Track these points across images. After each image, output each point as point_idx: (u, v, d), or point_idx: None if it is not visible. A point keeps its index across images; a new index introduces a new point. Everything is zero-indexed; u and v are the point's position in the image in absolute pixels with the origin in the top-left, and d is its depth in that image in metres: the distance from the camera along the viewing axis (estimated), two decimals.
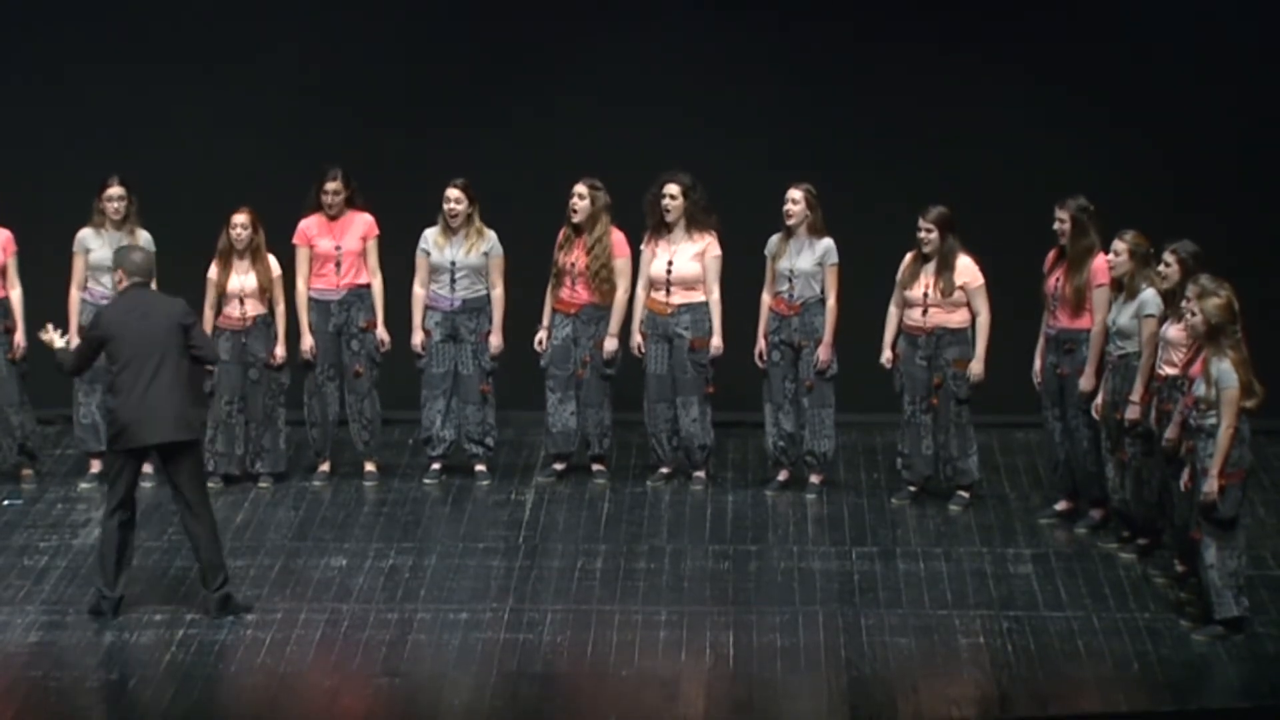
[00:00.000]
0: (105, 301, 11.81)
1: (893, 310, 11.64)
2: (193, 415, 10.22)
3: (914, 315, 11.56)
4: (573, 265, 11.88)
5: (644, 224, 11.93)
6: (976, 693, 9.50)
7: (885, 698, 9.46)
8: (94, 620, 10.16)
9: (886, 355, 11.62)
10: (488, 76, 13.05)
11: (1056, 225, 11.18)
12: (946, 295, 11.44)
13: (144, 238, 11.87)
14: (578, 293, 11.94)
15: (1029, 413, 11.85)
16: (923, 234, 11.46)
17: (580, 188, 11.83)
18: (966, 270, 11.47)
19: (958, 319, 11.52)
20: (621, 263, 11.90)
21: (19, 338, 11.91)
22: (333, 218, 11.95)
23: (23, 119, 13.02)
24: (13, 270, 11.89)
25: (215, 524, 10.30)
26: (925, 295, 11.49)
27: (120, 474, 10.19)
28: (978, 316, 11.49)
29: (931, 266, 11.48)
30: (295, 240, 11.97)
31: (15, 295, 11.91)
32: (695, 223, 11.83)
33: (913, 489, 11.79)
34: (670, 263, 11.83)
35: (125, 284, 10.28)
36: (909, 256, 11.57)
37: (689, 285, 11.84)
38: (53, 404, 12.40)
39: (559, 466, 12.15)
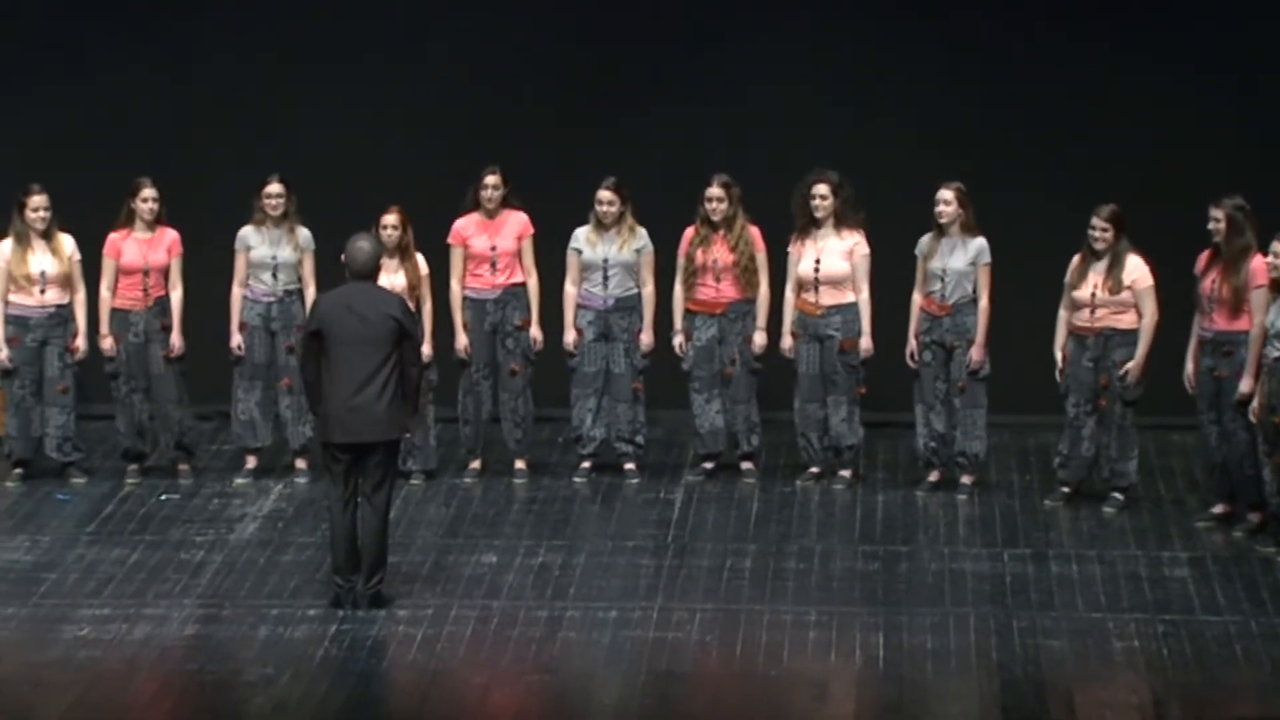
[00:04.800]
0: (267, 298, 12.08)
1: (1062, 313, 11.59)
2: (395, 415, 10.18)
3: (1082, 316, 11.50)
4: (715, 262, 11.93)
5: (791, 223, 11.93)
6: (1132, 698, 9.39)
7: (1038, 702, 9.35)
8: (336, 611, 10.21)
9: (1059, 356, 11.58)
10: (637, 76, 13.11)
11: (1211, 225, 11.11)
12: (1114, 293, 11.38)
13: (303, 235, 12.07)
14: (723, 290, 11.98)
15: (1185, 415, 11.76)
16: (1097, 233, 11.40)
17: (715, 190, 11.86)
18: (1136, 269, 11.41)
19: (1127, 320, 11.46)
20: (762, 257, 11.97)
21: (175, 337, 12.09)
22: (490, 214, 12.05)
23: (185, 119, 13.17)
24: (176, 271, 12.03)
25: (387, 522, 10.35)
26: (1093, 295, 11.43)
27: (329, 466, 10.28)
28: (1143, 317, 11.43)
29: (1102, 265, 11.41)
30: (450, 240, 12.07)
31: (176, 296, 12.06)
32: (844, 221, 11.85)
33: (1066, 490, 11.73)
34: (818, 261, 11.84)
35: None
36: (1077, 257, 11.53)
37: (837, 284, 11.84)
38: (211, 400, 12.56)
39: (708, 465, 12.20)
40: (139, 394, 12.12)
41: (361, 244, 10.31)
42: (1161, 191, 12.51)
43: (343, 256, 10.36)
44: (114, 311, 12.01)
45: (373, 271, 10.36)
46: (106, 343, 12.02)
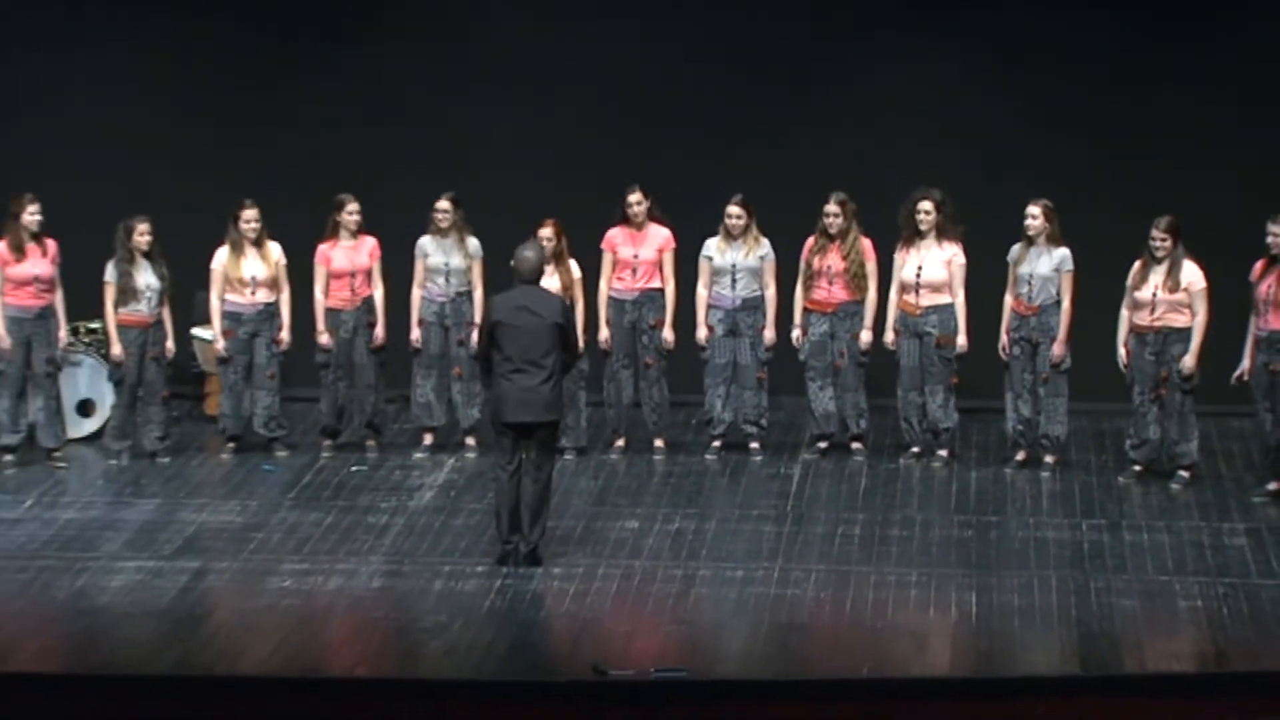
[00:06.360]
0: (441, 299, 12.71)
1: (1124, 313, 12.04)
2: (556, 399, 10.76)
3: (1143, 316, 11.97)
4: (829, 268, 12.50)
5: (898, 232, 12.46)
6: (1195, 649, 9.89)
7: (1112, 652, 9.82)
8: (500, 568, 10.73)
9: (1122, 351, 12.06)
10: (766, 111, 13.62)
11: (1270, 239, 11.70)
12: (1173, 293, 11.83)
13: (472, 244, 12.74)
14: (834, 292, 12.55)
15: (1243, 404, 12.19)
16: (1157, 242, 11.85)
17: (832, 206, 12.41)
18: (1192, 272, 11.90)
19: (1182, 320, 11.95)
20: (871, 265, 12.50)
21: (379, 330, 12.76)
22: (638, 227, 12.66)
23: (375, 143, 13.79)
24: (376, 273, 12.74)
25: (549, 491, 10.92)
26: (1154, 295, 11.89)
27: (500, 440, 10.86)
28: (1196, 316, 11.88)
29: (1161, 269, 11.87)
30: (603, 246, 12.75)
31: (378, 295, 12.76)
32: (944, 233, 12.44)
33: (1138, 469, 12.22)
34: (920, 268, 12.43)
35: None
36: (1138, 263, 12.01)
37: (936, 288, 12.43)
38: (394, 385, 13.09)
39: (822, 445, 12.80)
40: (343, 381, 12.78)
41: (528, 253, 10.91)
42: (1220, 205, 12.94)
43: (512, 263, 10.99)
44: (327, 311, 12.71)
45: (538, 276, 10.99)
46: (323, 339, 12.72)
